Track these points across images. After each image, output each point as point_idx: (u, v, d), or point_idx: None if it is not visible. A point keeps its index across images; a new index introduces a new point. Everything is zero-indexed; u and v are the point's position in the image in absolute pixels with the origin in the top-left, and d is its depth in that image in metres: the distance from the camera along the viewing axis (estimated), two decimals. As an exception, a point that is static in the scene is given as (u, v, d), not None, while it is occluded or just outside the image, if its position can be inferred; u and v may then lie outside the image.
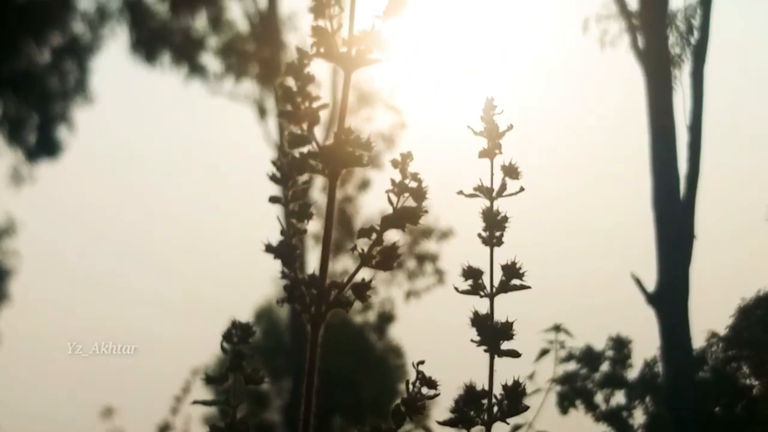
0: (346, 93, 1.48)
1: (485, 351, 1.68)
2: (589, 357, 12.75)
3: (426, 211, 1.52)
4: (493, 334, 1.68)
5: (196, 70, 19.27)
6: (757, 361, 12.81)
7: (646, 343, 13.26)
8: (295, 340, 18.94)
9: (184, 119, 30.90)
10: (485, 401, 1.66)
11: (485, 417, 1.66)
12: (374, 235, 1.51)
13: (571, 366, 12.62)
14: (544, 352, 7.53)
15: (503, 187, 1.71)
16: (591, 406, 12.66)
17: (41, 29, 18.55)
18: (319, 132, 1.51)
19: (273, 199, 1.55)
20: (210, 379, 1.72)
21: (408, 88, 23.63)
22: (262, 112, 19.18)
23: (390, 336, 22.96)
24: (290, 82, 1.49)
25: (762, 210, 13.92)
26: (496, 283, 1.70)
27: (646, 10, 13.74)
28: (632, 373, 13.03)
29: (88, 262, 26.61)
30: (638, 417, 13.02)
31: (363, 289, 1.51)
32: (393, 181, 1.52)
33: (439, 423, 1.65)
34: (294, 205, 1.55)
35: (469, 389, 1.66)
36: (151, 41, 19.02)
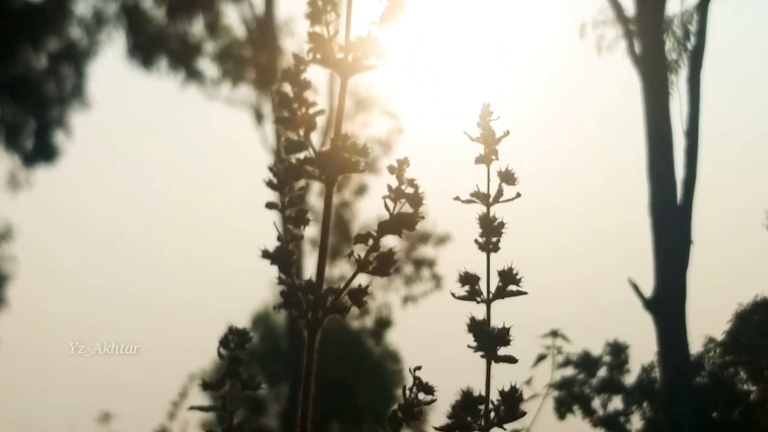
0: (342, 99, 1.48)
1: (482, 356, 1.68)
2: (587, 362, 12.76)
3: (423, 217, 1.52)
4: (490, 340, 1.68)
5: (193, 75, 19.28)
6: (754, 366, 12.82)
7: (644, 349, 13.27)
8: (292, 346, 18.93)
9: (181, 125, 30.92)
10: (482, 407, 1.66)
11: (482, 423, 1.66)
12: (371, 241, 1.51)
13: (569, 371, 12.64)
14: (541, 358, 7.54)
15: (500, 192, 1.71)
16: (588, 412, 12.66)
17: (38, 34, 18.55)
18: (315, 138, 1.51)
19: (270, 205, 1.55)
20: (207, 385, 1.72)
21: (405, 94, 23.66)
22: (258, 117, 19.21)
23: (387, 341, 22.97)
24: (287, 88, 1.49)
25: (759, 215, 13.94)
26: (492, 289, 1.70)
27: (643, 16, 13.75)
28: (629, 379, 13.05)
29: (85, 268, 26.61)
30: (635, 422, 13.04)
31: (360, 295, 1.51)
32: (390, 187, 1.52)
33: (436, 429, 1.65)
34: (291, 210, 1.55)
35: (466, 395, 1.66)
36: (148, 46, 19.03)
